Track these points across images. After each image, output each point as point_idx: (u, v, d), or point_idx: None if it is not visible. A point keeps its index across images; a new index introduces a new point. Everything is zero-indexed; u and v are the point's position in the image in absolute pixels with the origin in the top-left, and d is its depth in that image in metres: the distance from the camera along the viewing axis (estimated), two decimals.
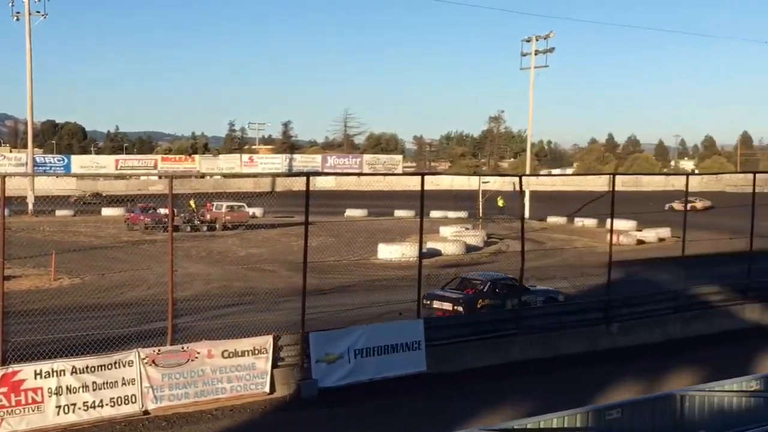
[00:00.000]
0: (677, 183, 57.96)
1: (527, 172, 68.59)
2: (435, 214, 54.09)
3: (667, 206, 64.03)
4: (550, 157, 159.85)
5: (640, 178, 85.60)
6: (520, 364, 18.44)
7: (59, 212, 58.59)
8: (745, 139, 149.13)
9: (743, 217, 24.64)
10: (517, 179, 23.17)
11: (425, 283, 18.85)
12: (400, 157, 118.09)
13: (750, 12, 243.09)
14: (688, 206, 69.20)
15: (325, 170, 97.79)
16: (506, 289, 21.68)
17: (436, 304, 21.17)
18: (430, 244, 36.81)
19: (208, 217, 48.98)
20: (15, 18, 62.86)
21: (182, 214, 46.30)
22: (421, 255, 18.99)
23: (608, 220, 24.42)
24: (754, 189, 24.49)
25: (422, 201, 18.31)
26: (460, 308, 20.86)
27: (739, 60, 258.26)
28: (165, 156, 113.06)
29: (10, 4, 62.85)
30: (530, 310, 20.35)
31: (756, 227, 24.08)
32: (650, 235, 46.21)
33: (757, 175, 26.06)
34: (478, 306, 21.20)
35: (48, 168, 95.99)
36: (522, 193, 23.51)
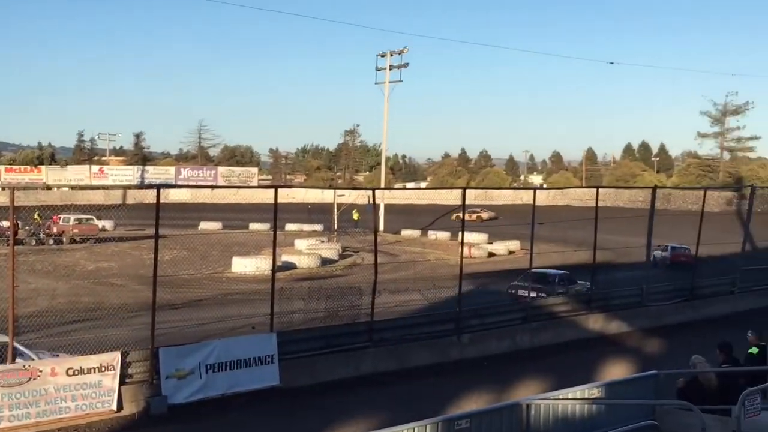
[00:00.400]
0: (526, 197, 59.75)
1: (382, 186, 69.34)
2: (290, 227, 54.03)
3: (453, 216, 66.01)
4: (404, 171, 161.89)
5: (490, 191, 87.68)
6: (372, 377, 18.56)
7: None
8: (590, 155, 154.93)
9: (588, 230, 25.55)
10: (371, 192, 23.33)
11: (280, 297, 18.73)
12: (255, 169, 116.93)
13: (595, 34, 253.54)
14: (474, 216, 71.68)
15: (179, 182, 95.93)
16: (567, 280, 27.25)
17: (521, 292, 25.00)
18: (285, 257, 36.68)
19: (54, 230, 47.29)
20: None
21: (27, 227, 44.53)
22: (275, 268, 18.91)
23: (460, 233, 24.92)
24: (597, 203, 25.50)
25: (275, 214, 18.20)
26: (543, 294, 25.09)
27: (584, 79, 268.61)
28: (9, 167, 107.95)
29: None
30: (383, 322, 20.45)
31: (590, 239, 25.05)
32: (500, 247, 47.49)
33: (600, 189, 27.20)
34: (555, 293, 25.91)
35: None
36: (376, 206, 23.72)
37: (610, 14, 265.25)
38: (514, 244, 47.60)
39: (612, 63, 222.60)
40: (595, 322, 24.35)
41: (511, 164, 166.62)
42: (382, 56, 66.30)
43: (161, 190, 16.70)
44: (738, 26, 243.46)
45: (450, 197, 71.24)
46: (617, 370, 19.42)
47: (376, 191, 23.20)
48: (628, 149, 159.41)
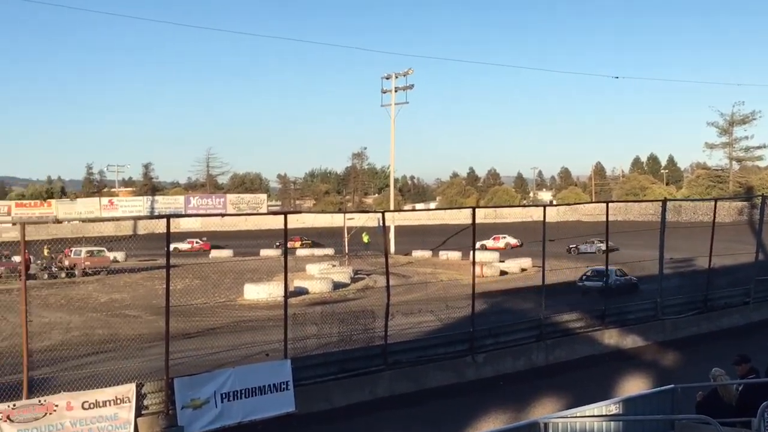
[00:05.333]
0: (536, 214, 59.60)
1: (391, 208, 69.44)
2: (302, 252, 54.06)
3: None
4: (413, 192, 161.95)
5: (500, 210, 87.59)
6: (388, 400, 18.50)
7: None
8: (598, 170, 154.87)
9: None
10: (380, 215, 23.36)
11: (293, 322, 18.71)
12: (264, 196, 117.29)
13: (599, 49, 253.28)
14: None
15: (188, 211, 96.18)
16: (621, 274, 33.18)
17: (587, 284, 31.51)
18: (297, 283, 36.70)
19: (66, 263, 47.32)
20: None
21: (38, 261, 44.59)
22: (287, 294, 18.88)
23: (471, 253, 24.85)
24: (607, 217, 25.41)
25: (285, 240, 18.23)
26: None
27: (590, 94, 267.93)
28: (19, 202, 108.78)
29: None
30: (397, 345, 20.37)
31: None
32: (512, 265, 47.34)
33: (610, 204, 27.10)
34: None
35: None
36: (385, 228, 23.72)
37: (614, 29, 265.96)
38: (525, 262, 47.48)
39: (617, 77, 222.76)
40: (610, 338, 24.23)
41: (520, 181, 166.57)
42: (387, 78, 66.73)
43: (171, 219, 16.76)
44: (742, 36, 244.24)
45: (460, 216, 71.16)
46: (634, 386, 19.31)
47: (386, 213, 23.20)
48: (636, 162, 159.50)
